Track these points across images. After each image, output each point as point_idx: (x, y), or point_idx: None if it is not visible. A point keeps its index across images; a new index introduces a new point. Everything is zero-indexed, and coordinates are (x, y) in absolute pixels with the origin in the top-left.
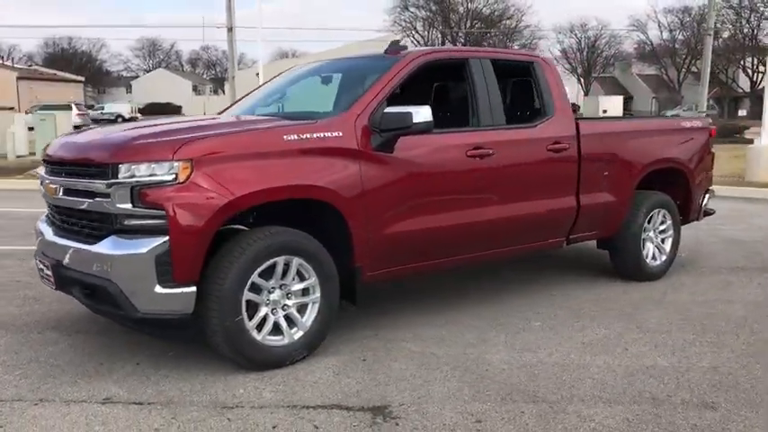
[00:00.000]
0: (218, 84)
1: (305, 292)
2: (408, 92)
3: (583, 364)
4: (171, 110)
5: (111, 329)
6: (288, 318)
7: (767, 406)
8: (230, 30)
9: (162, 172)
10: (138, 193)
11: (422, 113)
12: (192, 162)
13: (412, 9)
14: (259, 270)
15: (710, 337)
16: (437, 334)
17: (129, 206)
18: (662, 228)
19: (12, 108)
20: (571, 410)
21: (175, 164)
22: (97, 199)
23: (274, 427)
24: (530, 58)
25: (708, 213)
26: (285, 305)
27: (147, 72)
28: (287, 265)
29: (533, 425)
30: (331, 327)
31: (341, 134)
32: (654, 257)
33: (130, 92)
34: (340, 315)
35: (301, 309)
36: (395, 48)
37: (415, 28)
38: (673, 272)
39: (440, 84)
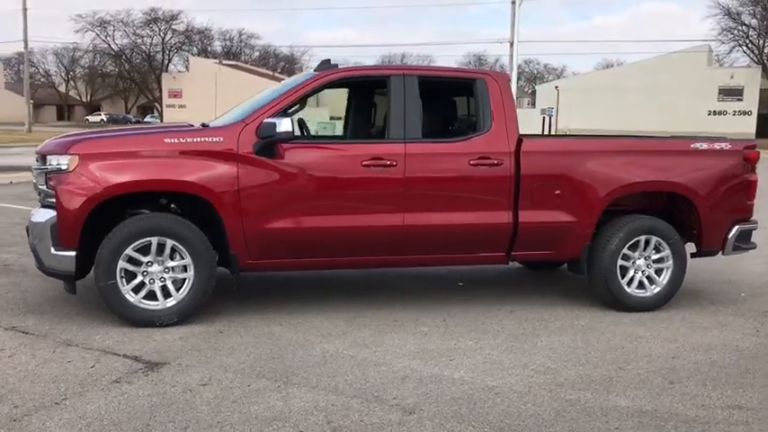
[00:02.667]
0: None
1: (185, 269)
2: (332, 105)
3: (386, 363)
4: None
5: None
6: (164, 288)
7: (461, 420)
8: (512, 44)
9: (62, 163)
10: (48, 177)
11: (283, 124)
12: (79, 157)
13: (744, 18)
14: (133, 245)
15: (576, 368)
16: (316, 324)
17: (44, 187)
18: (656, 256)
19: None
20: (288, 393)
21: (67, 157)
22: (34, 180)
23: (69, 362)
24: (471, 75)
25: (741, 248)
26: (162, 278)
27: None
28: (162, 245)
29: (217, 394)
30: (205, 301)
31: (222, 139)
32: (642, 287)
33: None
34: (253, 297)
35: (181, 283)
36: (323, 66)
37: (747, 36)
38: (685, 306)
39: (357, 98)
